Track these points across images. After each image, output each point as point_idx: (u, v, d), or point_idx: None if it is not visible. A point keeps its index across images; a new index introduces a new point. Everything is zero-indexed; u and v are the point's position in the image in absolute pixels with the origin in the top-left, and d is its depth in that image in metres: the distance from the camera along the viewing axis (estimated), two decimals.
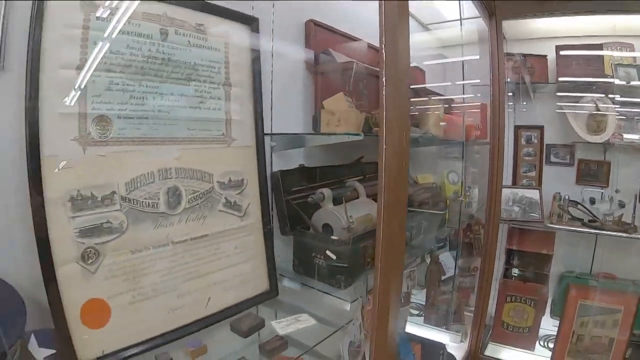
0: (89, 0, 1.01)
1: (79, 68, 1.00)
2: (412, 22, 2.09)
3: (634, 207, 2.60)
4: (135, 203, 1.10)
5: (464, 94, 2.50)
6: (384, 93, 1.17)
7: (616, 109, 2.62)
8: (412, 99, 1.93)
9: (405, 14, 1.22)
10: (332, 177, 1.69)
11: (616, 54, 2.61)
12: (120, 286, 1.08)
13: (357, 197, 1.61)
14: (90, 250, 1.02)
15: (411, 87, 1.79)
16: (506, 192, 2.80)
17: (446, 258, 2.52)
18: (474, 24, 2.48)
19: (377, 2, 1.08)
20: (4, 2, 0.90)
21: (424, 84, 2.58)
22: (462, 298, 2.75)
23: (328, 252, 1.36)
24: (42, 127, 0.93)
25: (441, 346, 2.45)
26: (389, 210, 1.19)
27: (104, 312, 1.06)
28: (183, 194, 1.20)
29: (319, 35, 1.68)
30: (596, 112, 2.65)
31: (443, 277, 2.47)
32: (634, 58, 2.60)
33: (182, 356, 1.17)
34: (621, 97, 2.60)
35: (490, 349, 2.82)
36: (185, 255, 1.21)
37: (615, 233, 2.56)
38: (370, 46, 1.92)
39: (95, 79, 1.03)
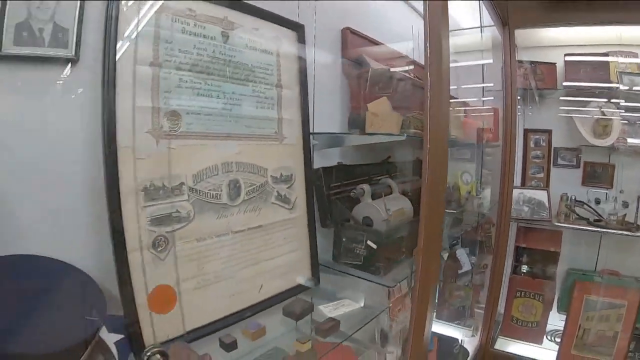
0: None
1: (152, 65, 1.09)
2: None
3: (637, 207, 2.72)
4: (201, 194, 1.20)
5: (483, 96, 2.61)
6: (428, 95, 1.29)
7: (621, 115, 2.75)
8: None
9: (446, 14, 1.33)
10: (365, 174, 1.79)
11: (621, 60, 2.74)
12: (186, 272, 1.16)
13: (391, 193, 1.72)
14: (161, 238, 1.10)
15: None
16: (516, 193, 2.93)
17: (461, 254, 2.63)
18: (488, 31, 2.60)
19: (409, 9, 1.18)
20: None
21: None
22: (473, 294, 2.86)
23: (369, 242, 1.47)
24: (118, 119, 1.00)
25: (455, 340, 2.56)
26: (431, 204, 1.30)
27: (170, 297, 1.14)
28: (242, 187, 1.30)
29: (354, 42, 1.79)
30: (602, 117, 2.78)
31: (460, 272, 2.57)
32: (639, 66, 2.73)
33: (243, 337, 1.26)
34: (625, 102, 2.73)
35: (500, 343, 2.94)
36: (242, 244, 1.31)
37: (619, 232, 2.69)
38: (399, 54, 2.04)
39: (167, 76, 1.12)
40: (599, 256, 2.93)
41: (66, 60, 0.94)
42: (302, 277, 1.49)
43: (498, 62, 2.71)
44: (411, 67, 1.98)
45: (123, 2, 1.02)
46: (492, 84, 2.70)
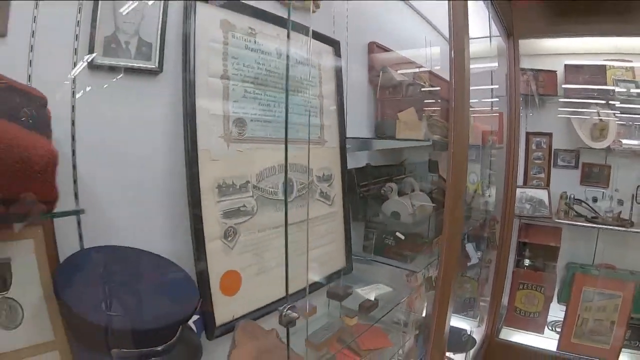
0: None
1: (222, 77, 1.28)
2: (440, 38, 2.43)
3: (632, 205, 2.94)
4: (262, 191, 1.39)
5: (490, 102, 2.81)
6: (453, 105, 1.48)
7: (617, 118, 2.95)
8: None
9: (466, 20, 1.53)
10: (389, 174, 1.99)
11: (617, 65, 2.96)
12: (250, 260, 1.36)
13: (413, 191, 1.91)
14: (231, 229, 1.30)
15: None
16: (518, 192, 3.13)
17: (469, 248, 2.82)
18: (494, 40, 2.80)
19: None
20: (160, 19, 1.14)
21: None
22: (479, 288, 3.05)
23: (398, 234, 1.66)
24: (197, 124, 1.18)
25: (464, 330, 2.75)
26: (455, 197, 1.50)
27: (236, 281, 1.33)
28: (295, 185, 1.49)
29: (379, 55, 1.99)
30: (598, 122, 2.99)
31: (468, 264, 2.76)
32: (634, 74, 2.94)
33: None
34: (621, 105, 2.94)
35: (504, 333, 3.14)
36: (294, 235, 1.50)
37: (614, 228, 2.91)
38: (418, 65, 2.24)
39: (234, 87, 1.31)
40: (596, 251, 3.12)
41: (150, 71, 1.12)
42: (336, 266, 1.68)
43: (502, 69, 2.90)
44: (425, 74, 2.19)
45: (199, 21, 1.20)
46: (496, 86, 2.89)
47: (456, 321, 2.84)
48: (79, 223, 0.95)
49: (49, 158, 0.70)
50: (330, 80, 1.67)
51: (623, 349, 2.80)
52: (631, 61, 2.95)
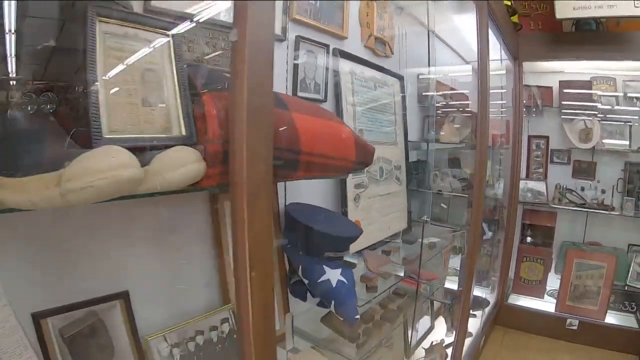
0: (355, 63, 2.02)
1: (352, 105, 2.00)
2: (458, 58, 3.14)
3: (612, 193, 3.66)
4: (370, 173, 2.11)
5: (501, 112, 3.53)
6: (479, 114, 2.20)
7: (599, 125, 3.66)
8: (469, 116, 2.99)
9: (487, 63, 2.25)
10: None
11: (601, 79, 3.69)
12: (364, 215, 2.08)
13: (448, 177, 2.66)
14: (357, 195, 2.02)
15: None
16: (521, 183, 3.85)
17: (484, 225, 3.50)
18: (504, 62, 3.51)
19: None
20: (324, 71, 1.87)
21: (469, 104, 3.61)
22: (490, 262, 3.75)
23: (442, 204, 2.39)
24: None
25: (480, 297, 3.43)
26: (480, 182, 2.23)
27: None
28: (384, 170, 2.22)
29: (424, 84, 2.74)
30: (585, 127, 3.69)
31: (484, 237, 3.45)
32: (615, 87, 3.65)
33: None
34: (602, 115, 3.67)
35: (512, 298, 3.84)
36: (382, 202, 2.23)
37: (599, 211, 3.63)
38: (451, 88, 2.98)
39: (357, 110, 2.04)
40: (586, 230, 3.80)
41: (320, 100, 1.84)
42: (402, 225, 2.42)
43: (509, 85, 3.62)
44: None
45: (341, 72, 1.93)
46: (504, 101, 3.61)
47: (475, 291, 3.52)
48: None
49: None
50: (399, 103, 2.40)
51: (609, 310, 3.43)
52: (614, 79, 3.66)
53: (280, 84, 1.58)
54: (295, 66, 1.64)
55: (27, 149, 0.64)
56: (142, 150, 0.68)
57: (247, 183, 0.67)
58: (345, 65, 1.93)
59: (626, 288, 3.47)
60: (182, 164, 0.67)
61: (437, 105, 2.72)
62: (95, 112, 0.65)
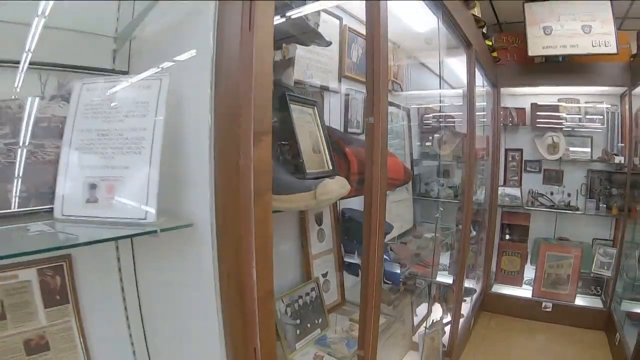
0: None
1: None
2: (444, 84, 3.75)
3: (577, 196, 4.35)
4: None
5: (483, 132, 4.18)
6: (468, 133, 2.85)
7: (566, 139, 4.34)
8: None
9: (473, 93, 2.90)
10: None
11: (568, 93, 4.33)
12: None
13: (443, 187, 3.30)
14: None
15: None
16: (500, 189, 4.51)
17: None
18: (486, 87, 4.17)
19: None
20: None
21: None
22: (475, 257, 4.37)
23: (440, 208, 3.03)
24: None
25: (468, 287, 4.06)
26: (468, 191, 2.87)
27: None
28: None
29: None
30: (552, 142, 4.36)
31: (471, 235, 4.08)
32: (579, 107, 4.31)
33: None
34: (569, 132, 4.35)
35: (495, 287, 4.49)
36: (398, 207, 2.84)
37: (566, 211, 4.30)
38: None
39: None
40: (555, 228, 4.47)
41: (359, 134, 2.43)
42: (411, 223, 3.04)
43: (489, 106, 4.28)
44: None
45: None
46: (485, 120, 4.26)
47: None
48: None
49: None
50: (407, 128, 3.03)
51: (577, 294, 4.09)
52: (578, 100, 4.36)
53: (336, 122, 2.19)
54: (346, 109, 2.25)
55: (281, 178, 1.21)
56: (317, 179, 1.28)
57: (375, 194, 1.29)
58: None
59: (592, 275, 4.07)
60: (345, 185, 1.25)
61: (430, 125, 3.37)
62: (301, 158, 1.24)
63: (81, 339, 1.24)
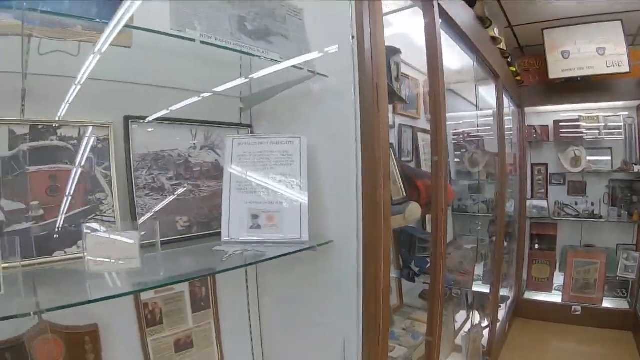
0: None
1: (424, 159, 3.00)
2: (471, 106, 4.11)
3: (600, 205, 4.63)
4: None
5: (511, 149, 4.52)
6: (499, 151, 3.21)
7: (587, 152, 4.65)
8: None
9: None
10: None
11: (587, 109, 4.65)
12: None
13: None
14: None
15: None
16: (528, 202, 4.82)
17: None
18: (512, 108, 4.51)
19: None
20: None
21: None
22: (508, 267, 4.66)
23: (476, 222, 3.39)
24: None
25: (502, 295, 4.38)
26: (501, 203, 3.22)
27: None
28: None
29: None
30: (574, 156, 4.68)
31: None
32: (598, 121, 4.61)
33: None
34: (590, 145, 4.67)
35: (527, 294, 4.76)
36: None
37: (590, 220, 4.59)
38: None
39: (426, 161, 3.03)
40: (581, 236, 4.72)
41: (409, 161, 2.83)
42: (452, 236, 3.39)
43: (515, 125, 4.63)
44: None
45: (420, 140, 2.94)
46: (512, 138, 4.60)
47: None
48: None
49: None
50: None
51: (604, 297, 4.31)
52: (597, 117, 4.69)
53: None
54: (399, 141, 2.65)
55: None
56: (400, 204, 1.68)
57: (440, 214, 1.68)
58: (420, 136, 2.93)
59: (617, 278, 4.30)
60: (420, 208, 1.64)
61: (460, 145, 3.74)
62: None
63: (217, 339, 1.63)
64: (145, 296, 1.40)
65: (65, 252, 1.20)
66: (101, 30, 1.03)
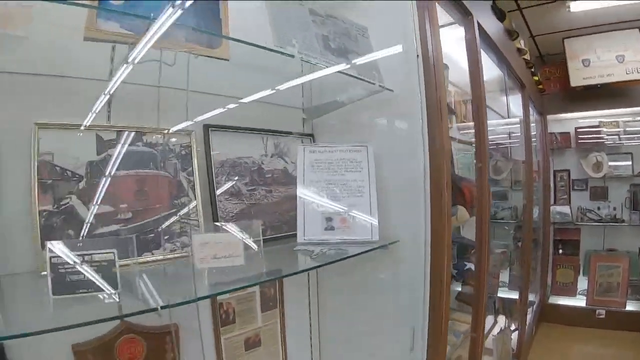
0: None
1: (459, 167, 3.13)
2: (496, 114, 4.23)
3: (622, 210, 4.69)
4: None
5: (535, 156, 4.63)
6: (525, 160, 3.32)
7: (608, 157, 4.74)
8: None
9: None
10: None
11: (607, 115, 4.74)
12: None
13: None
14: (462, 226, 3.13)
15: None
16: (551, 208, 4.91)
17: None
18: (535, 116, 4.61)
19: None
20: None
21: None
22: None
23: (505, 227, 3.50)
24: None
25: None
26: (529, 209, 3.33)
27: None
28: None
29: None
30: (596, 161, 4.77)
31: None
32: (618, 127, 4.72)
33: None
34: (611, 150, 4.76)
35: (552, 298, 4.83)
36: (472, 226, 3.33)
37: (613, 224, 4.67)
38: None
39: (461, 169, 3.15)
40: (604, 240, 4.80)
41: None
42: None
43: (538, 132, 4.72)
44: None
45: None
46: (535, 145, 4.69)
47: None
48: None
49: None
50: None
51: (628, 300, 4.35)
52: (617, 123, 4.78)
53: None
54: None
55: None
56: None
57: (484, 216, 1.81)
58: (452, 145, 3.05)
59: None
60: (467, 211, 1.77)
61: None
62: None
63: (282, 337, 1.74)
64: (221, 296, 1.49)
65: (152, 254, 1.31)
66: (200, 42, 1.14)
